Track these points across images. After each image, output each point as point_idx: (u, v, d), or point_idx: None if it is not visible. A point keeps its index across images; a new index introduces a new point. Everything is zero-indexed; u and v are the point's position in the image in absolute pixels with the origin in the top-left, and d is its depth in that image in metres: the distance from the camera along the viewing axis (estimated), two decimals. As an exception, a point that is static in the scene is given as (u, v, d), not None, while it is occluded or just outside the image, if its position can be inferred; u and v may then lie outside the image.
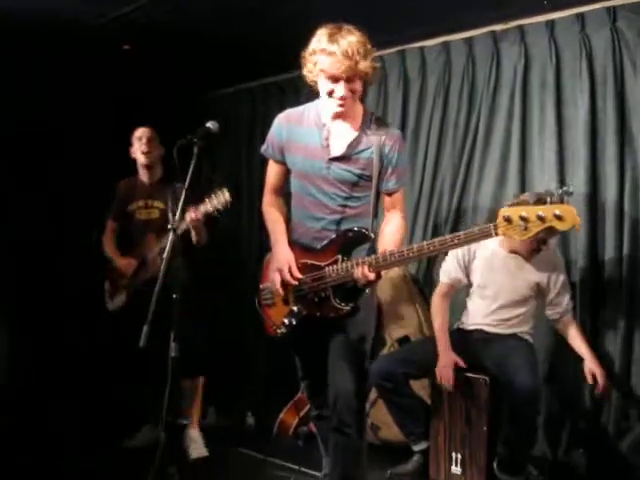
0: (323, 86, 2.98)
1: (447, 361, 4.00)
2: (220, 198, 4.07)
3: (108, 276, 4.80)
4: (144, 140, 4.66)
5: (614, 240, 4.19)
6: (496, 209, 4.53)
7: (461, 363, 4.00)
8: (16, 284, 5.56)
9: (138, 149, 4.66)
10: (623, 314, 4.16)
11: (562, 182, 4.37)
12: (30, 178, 5.70)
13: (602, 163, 4.28)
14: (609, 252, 4.21)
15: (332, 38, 2.86)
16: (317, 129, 3.13)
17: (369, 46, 2.93)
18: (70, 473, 4.08)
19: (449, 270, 4.17)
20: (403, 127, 5.10)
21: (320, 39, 2.90)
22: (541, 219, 2.55)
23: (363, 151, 3.08)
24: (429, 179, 5.01)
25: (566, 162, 4.42)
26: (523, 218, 2.58)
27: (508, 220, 2.61)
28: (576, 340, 4.05)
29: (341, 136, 3.10)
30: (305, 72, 3.04)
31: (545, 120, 4.50)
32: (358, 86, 2.96)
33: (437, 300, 4.23)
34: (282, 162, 3.25)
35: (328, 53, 2.86)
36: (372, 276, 2.90)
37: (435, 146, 5.00)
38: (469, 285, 4.21)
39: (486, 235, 2.71)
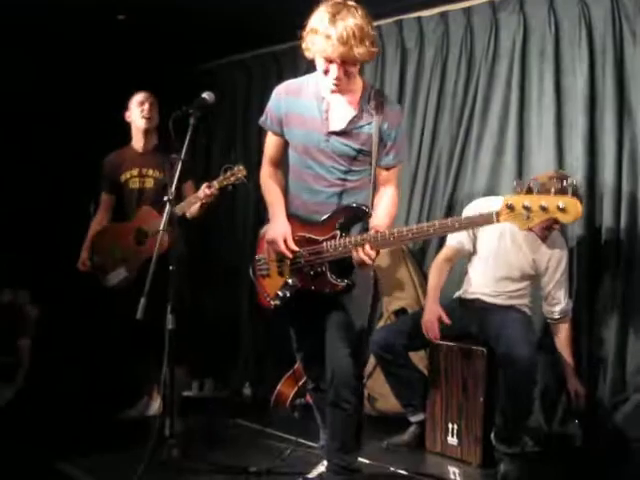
0: (319, 64, 2.95)
1: (432, 314, 4.03)
2: (237, 174, 4.13)
3: (94, 250, 4.69)
4: (147, 105, 4.55)
5: (612, 211, 4.18)
6: (494, 180, 4.60)
7: (445, 318, 4.02)
8: (14, 259, 5.51)
9: (139, 114, 4.55)
10: (621, 286, 4.16)
11: (560, 153, 4.36)
12: (24, 151, 5.67)
13: (601, 133, 4.26)
14: (607, 223, 4.21)
15: (331, 19, 2.81)
16: (316, 101, 3.10)
17: (368, 29, 2.87)
18: (70, 443, 4.08)
19: (457, 235, 4.15)
20: (400, 98, 5.07)
21: (321, 18, 2.86)
22: (544, 209, 2.54)
23: (363, 126, 3.07)
24: (427, 150, 4.99)
25: (564, 132, 4.40)
26: (526, 207, 2.57)
27: (511, 208, 2.60)
28: (565, 349, 4.11)
29: (340, 110, 3.08)
30: (303, 47, 3.00)
31: (544, 90, 4.47)
32: (353, 68, 2.94)
33: (438, 261, 4.23)
34: (280, 134, 3.22)
35: (325, 36, 2.82)
36: (374, 254, 2.91)
37: (433, 117, 4.97)
38: (473, 253, 4.19)
39: (487, 221, 2.71)
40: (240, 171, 4.15)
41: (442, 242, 4.50)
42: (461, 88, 4.84)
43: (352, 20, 2.82)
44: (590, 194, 4.25)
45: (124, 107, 4.66)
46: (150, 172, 4.56)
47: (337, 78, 2.92)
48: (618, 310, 4.16)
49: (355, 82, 3.07)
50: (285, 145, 3.25)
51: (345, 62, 2.88)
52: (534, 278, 4.08)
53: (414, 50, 5.09)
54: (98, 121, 5.61)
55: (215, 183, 4.18)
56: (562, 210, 2.51)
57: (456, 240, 4.16)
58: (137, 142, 4.64)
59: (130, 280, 4.43)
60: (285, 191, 3.28)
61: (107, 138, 4.83)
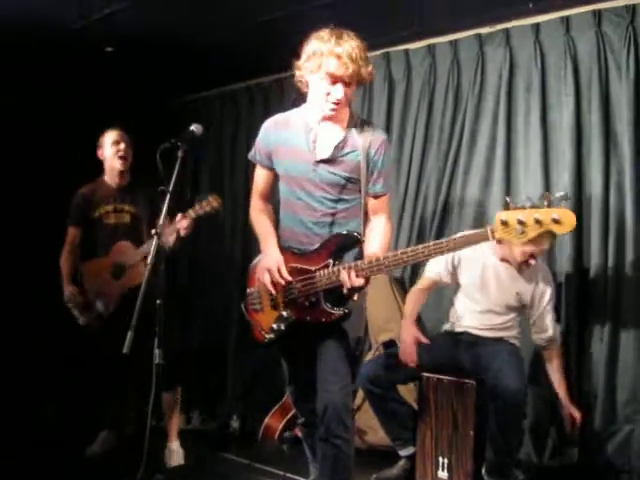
0: (320, 87, 2.98)
1: (409, 336, 4.03)
2: (212, 203, 4.13)
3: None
4: (122, 145, 4.54)
5: (599, 244, 4.19)
6: (481, 212, 4.60)
7: (422, 339, 4.01)
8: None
9: (114, 153, 4.52)
10: (609, 318, 4.16)
11: (547, 186, 4.37)
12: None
13: (587, 167, 4.29)
14: (594, 256, 4.22)
15: (337, 41, 2.89)
16: (304, 132, 3.12)
17: (367, 52, 2.97)
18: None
19: (435, 268, 4.15)
20: (388, 129, 5.08)
21: (326, 41, 2.91)
22: (539, 222, 2.53)
23: (349, 153, 3.07)
24: (414, 182, 4.99)
25: (551, 166, 4.42)
26: (520, 222, 2.55)
27: (505, 224, 2.59)
28: (556, 375, 4.08)
29: (328, 139, 3.09)
30: (300, 72, 3.05)
31: (530, 123, 4.50)
32: (352, 91, 3.00)
33: (415, 289, 4.25)
34: (269, 167, 3.24)
35: (335, 56, 2.88)
36: (360, 282, 2.89)
37: (420, 149, 4.99)
38: (454, 286, 4.19)
39: (483, 238, 2.70)
40: (215, 199, 4.14)
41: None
42: (448, 120, 4.86)
43: (354, 42, 2.91)
44: (577, 226, 4.26)
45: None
46: (126, 207, 4.53)
47: (338, 100, 2.96)
48: (607, 342, 4.16)
49: (344, 111, 3.10)
50: (274, 178, 3.26)
51: (352, 82, 2.94)
52: (520, 310, 4.08)
53: (402, 82, 5.12)
54: (75, 153, 5.58)
55: (191, 212, 4.16)
56: (557, 222, 2.51)
57: (434, 272, 4.17)
58: (111, 179, 4.60)
59: (105, 316, 4.41)
60: (276, 223, 3.28)
61: (82, 170, 4.78)
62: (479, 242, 2.77)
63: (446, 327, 4.26)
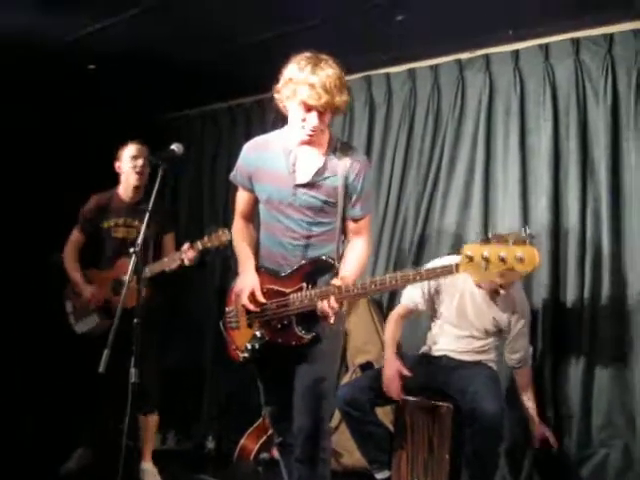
0: (296, 114, 2.99)
1: (392, 370, 4.00)
2: (222, 237, 4.12)
3: (71, 296, 4.67)
4: (140, 160, 4.52)
5: (575, 269, 4.22)
6: (460, 235, 4.63)
7: (405, 371, 3.99)
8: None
9: (131, 169, 4.51)
10: (585, 343, 4.18)
11: (525, 210, 4.40)
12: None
13: (565, 191, 4.33)
14: (570, 282, 4.25)
15: (313, 69, 2.89)
16: (284, 155, 3.13)
17: (344, 79, 2.97)
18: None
19: (412, 296, 4.16)
20: (368, 152, 5.11)
21: (301, 68, 2.92)
22: (502, 260, 2.54)
23: (328, 178, 3.09)
24: (393, 205, 5.02)
25: (529, 190, 4.45)
26: (485, 258, 2.57)
27: (470, 258, 2.61)
28: (527, 393, 4.11)
29: (307, 163, 3.11)
30: (279, 96, 3.06)
31: (509, 148, 4.54)
32: (329, 118, 3.00)
33: (393, 316, 4.25)
34: (250, 189, 3.26)
35: (309, 85, 2.87)
36: (337, 307, 2.92)
37: (400, 172, 5.02)
38: (431, 313, 4.20)
39: (448, 272, 2.72)
40: (224, 234, 4.12)
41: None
42: (428, 144, 4.89)
43: (331, 70, 2.91)
44: (554, 252, 4.30)
45: (97, 156, 4.66)
46: (135, 223, 4.50)
47: (314, 128, 2.96)
48: (583, 366, 4.18)
49: (323, 135, 3.11)
50: (256, 200, 3.28)
51: (326, 111, 2.94)
52: (498, 334, 4.09)
53: (382, 105, 5.15)
54: (68, 168, 5.59)
55: (199, 244, 4.19)
56: (520, 260, 2.51)
57: (411, 300, 4.18)
58: (125, 193, 4.60)
59: (101, 329, 4.39)
60: (257, 244, 3.29)
61: (68, 186, 4.79)
62: (445, 275, 2.80)
63: (424, 349, 4.26)
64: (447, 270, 2.72)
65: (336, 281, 2.95)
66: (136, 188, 4.54)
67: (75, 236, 4.70)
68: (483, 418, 3.63)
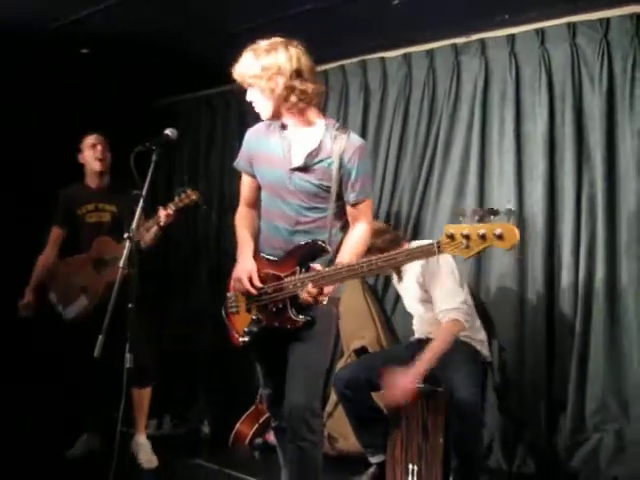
0: None
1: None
2: (191, 196, 4.41)
3: (51, 286, 4.68)
4: (99, 147, 4.68)
5: (570, 254, 4.24)
6: (454, 221, 4.61)
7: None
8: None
9: (92, 156, 4.67)
10: (579, 327, 4.20)
11: (520, 196, 4.41)
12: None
13: (560, 177, 4.33)
14: (565, 266, 4.27)
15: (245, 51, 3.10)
16: (280, 139, 3.15)
17: (263, 49, 3.04)
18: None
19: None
20: (363, 137, 5.03)
21: None
22: (483, 238, 2.53)
23: (321, 161, 3.08)
24: (388, 190, 5.02)
25: (524, 175, 4.45)
26: (465, 236, 2.56)
27: (451, 237, 2.60)
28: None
29: (302, 146, 3.10)
30: None
31: (504, 133, 4.54)
32: (256, 92, 3.11)
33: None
34: (252, 174, 3.28)
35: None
36: (314, 292, 2.91)
37: (395, 157, 5.01)
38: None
39: (429, 252, 2.70)
40: (193, 193, 4.42)
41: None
42: (423, 129, 4.89)
43: (255, 45, 3.08)
44: (549, 235, 4.31)
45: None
46: (107, 207, 4.68)
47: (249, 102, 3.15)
48: (577, 351, 4.20)
49: (312, 119, 3.13)
50: (258, 186, 3.29)
51: (248, 84, 3.11)
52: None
53: (377, 90, 5.14)
54: (54, 156, 5.56)
55: (171, 205, 4.37)
56: (499, 237, 2.51)
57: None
58: (92, 181, 4.75)
59: (90, 309, 4.46)
60: (258, 230, 3.31)
61: (59, 173, 4.81)
62: (426, 256, 2.78)
63: (417, 336, 4.27)
64: (429, 250, 2.70)
65: (316, 266, 2.96)
66: (100, 174, 4.71)
67: (54, 232, 4.77)
68: (460, 406, 3.62)
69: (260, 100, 3.11)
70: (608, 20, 4.15)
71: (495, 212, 2.59)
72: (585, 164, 4.25)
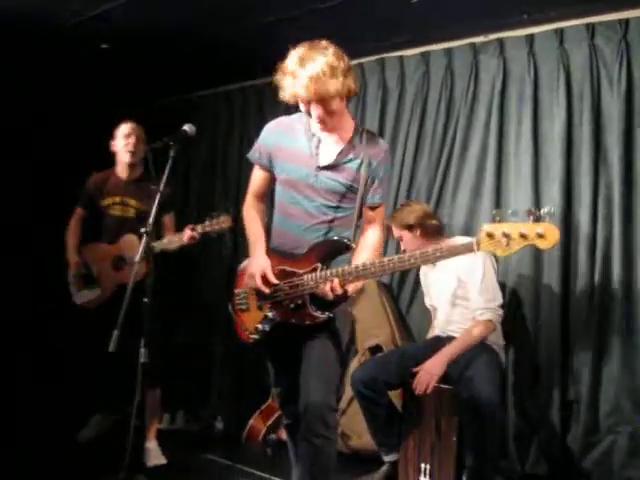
0: (300, 105, 3.00)
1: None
2: (222, 224, 4.16)
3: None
4: (132, 138, 4.58)
5: (587, 256, 4.22)
6: (470, 221, 4.62)
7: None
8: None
9: (124, 146, 4.57)
10: (594, 329, 4.18)
11: (537, 196, 4.40)
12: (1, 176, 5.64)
13: (577, 177, 4.31)
14: (581, 267, 4.25)
15: (301, 61, 2.86)
16: (306, 137, 3.12)
17: (341, 64, 2.89)
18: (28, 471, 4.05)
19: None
20: (380, 135, 5.06)
21: (292, 61, 2.90)
22: (524, 237, 2.58)
23: (351, 160, 3.08)
24: (405, 189, 5.01)
25: (541, 176, 4.44)
26: (506, 235, 2.59)
27: (490, 236, 2.62)
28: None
29: (330, 146, 3.10)
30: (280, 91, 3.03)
31: (522, 133, 4.52)
32: (334, 105, 2.94)
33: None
34: (268, 169, 3.24)
35: (298, 77, 2.85)
36: (340, 290, 2.91)
37: (412, 156, 5.00)
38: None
39: (468, 250, 2.72)
40: (226, 220, 4.16)
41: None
42: (440, 128, 4.88)
43: (322, 58, 2.85)
44: (566, 235, 4.29)
45: (102, 134, 4.68)
46: (132, 202, 4.59)
47: (318, 117, 2.95)
48: (592, 353, 4.18)
49: (345, 120, 3.11)
50: (271, 180, 3.26)
51: (324, 100, 2.89)
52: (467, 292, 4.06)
53: (395, 89, 5.14)
54: (79, 148, 5.60)
55: (199, 228, 4.21)
56: (541, 236, 2.55)
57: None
58: (121, 171, 4.67)
59: (99, 302, 4.50)
60: (268, 224, 3.29)
61: (83, 166, 4.83)
62: (463, 253, 2.79)
63: (436, 333, 4.26)
64: (467, 248, 2.72)
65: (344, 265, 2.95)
66: (130, 166, 4.62)
67: (77, 212, 4.81)
68: (478, 406, 3.63)
69: (337, 110, 2.99)
70: (627, 21, 4.13)
71: (551, 213, 2.61)
72: (602, 165, 4.23)
